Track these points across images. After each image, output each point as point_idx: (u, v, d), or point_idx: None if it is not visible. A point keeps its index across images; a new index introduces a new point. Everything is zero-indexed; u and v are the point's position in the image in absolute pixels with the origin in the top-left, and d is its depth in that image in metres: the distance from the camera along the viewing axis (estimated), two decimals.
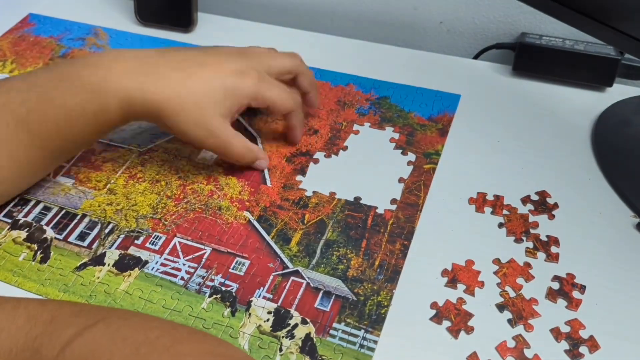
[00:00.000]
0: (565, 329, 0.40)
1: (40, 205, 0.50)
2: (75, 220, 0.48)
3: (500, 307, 0.42)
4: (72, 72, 0.45)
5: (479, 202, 0.48)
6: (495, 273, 0.43)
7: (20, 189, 0.49)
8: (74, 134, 0.45)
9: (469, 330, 0.40)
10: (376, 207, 0.48)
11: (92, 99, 0.44)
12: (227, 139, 0.47)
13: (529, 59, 0.58)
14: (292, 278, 0.44)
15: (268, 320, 0.42)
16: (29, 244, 0.47)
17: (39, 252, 0.46)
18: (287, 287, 0.43)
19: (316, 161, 0.53)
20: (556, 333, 0.40)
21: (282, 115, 0.52)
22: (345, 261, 0.45)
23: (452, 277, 0.43)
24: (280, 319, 0.42)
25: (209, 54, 0.48)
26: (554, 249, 0.45)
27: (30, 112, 0.44)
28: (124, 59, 0.45)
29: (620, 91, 0.57)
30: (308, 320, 0.41)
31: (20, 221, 0.48)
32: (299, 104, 0.51)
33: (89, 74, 0.44)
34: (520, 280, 0.43)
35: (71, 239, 0.47)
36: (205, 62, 0.46)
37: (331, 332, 0.41)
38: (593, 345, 0.39)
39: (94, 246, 0.47)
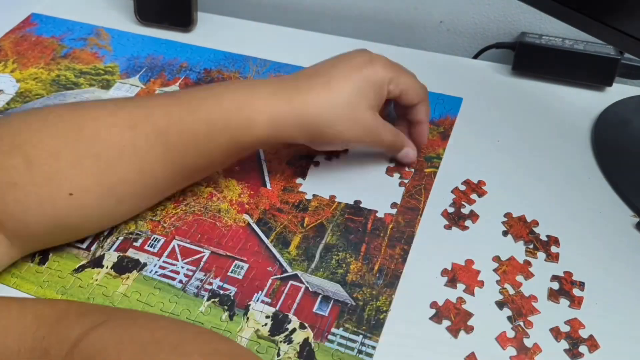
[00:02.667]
0: (565, 328, 0.40)
1: None
2: None
3: (500, 304, 0.42)
4: (218, 91, 0.44)
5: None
6: (495, 270, 0.43)
7: (140, 209, 0.47)
8: (212, 149, 0.44)
9: (469, 329, 0.40)
10: (376, 211, 0.48)
11: (237, 114, 0.43)
12: (380, 131, 0.46)
13: (528, 59, 0.58)
14: (290, 282, 0.44)
15: (266, 324, 0.41)
16: None
17: (37, 254, 0.46)
18: (285, 291, 0.43)
19: (316, 164, 0.52)
20: (556, 332, 0.40)
21: (407, 111, 0.49)
22: (344, 265, 0.45)
23: (452, 276, 0.43)
24: (279, 324, 0.41)
25: (333, 59, 0.47)
26: (554, 249, 0.45)
27: (171, 124, 0.43)
28: (264, 83, 0.45)
29: (619, 91, 0.57)
30: (306, 324, 0.41)
31: None
32: (428, 95, 0.49)
33: (235, 92, 0.44)
34: (519, 278, 0.43)
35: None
36: (336, 65, 0.46)
37: (329, 337, 0.41)
38: (593, 344, 0.39)
39: (93, 248, 0.46)
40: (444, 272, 0.43)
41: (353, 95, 0.44)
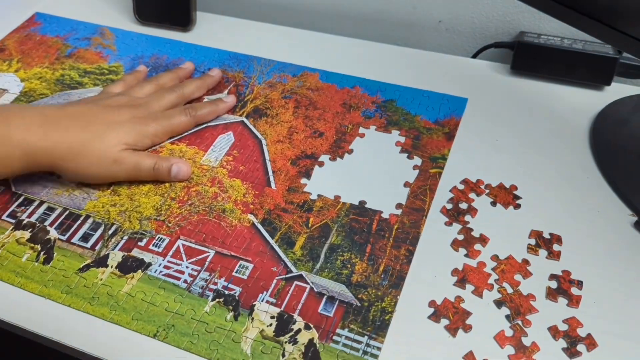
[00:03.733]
0: (563, 327, 0.40)
1: (44, 206, 0.50)
2: (79, 221, 0.48)
3: (498, 303, 0.42)
4: None
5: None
6: (493, 269, 0.43)
7: None
8: None
9: (467, 328, 0.40)
10: (381, 212, 0.48)
11: None
12: (137, 163, 0.49)
13: (527, 58, 0.58)
14: (295, 282, 0.44)
15: (271, 325, 0.41)
16: (32, 245, 0.47)
17: (42, 253, 0.46)
18: (290, 292, 0.43)
19: (321, 164, 0.52)
20: (554, 331, 0.40)
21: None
22: (349, 266, 0.44)
23: (462, 277, 0.43)
24: (284, 324, 0.41)
25: (99, 106, 0.51)
26: (556, 247, 0.45)
27: None
28: (27, 113, 0.48)
29: (618, 90, 0.57)
30: (311, 325, 0.41)
31: (24, 221, 0.48)
32: (196, 112, 0.54)
33: None
34: (518, 277, 0.43)
35: (74, 240, 0.47)
36: (100, 113, 0.50)
37: (334, 337, 0.40)
38: (591, 343, 0.39)
39: (98, 247, 0.46)
40: (454, 272, 0.43)
41: (105, 138, 0.49)
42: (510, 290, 0.42)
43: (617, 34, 0.45)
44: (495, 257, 0.44)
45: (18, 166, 0.47)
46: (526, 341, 0.39)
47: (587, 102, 0.56)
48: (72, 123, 0.49)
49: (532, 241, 0.45)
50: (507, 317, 0.41)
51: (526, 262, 0.43)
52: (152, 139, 0.52)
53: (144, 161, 0.50)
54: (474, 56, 0.65)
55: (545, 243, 0.45)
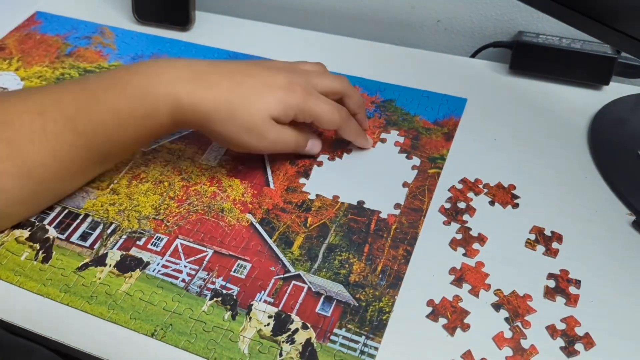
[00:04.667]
0: (561, 326, 0.40)
1: None
2: (78, 220, 0.48)
3: (496, 307, 0.42)
4: (122, 77, 0.45)
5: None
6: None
7: (60, 193, 0.49)
8: (121, 136, 0.45)
9: (465, 327, 0.40)
10: (379, 212, 0.48)
11: (141, 103, 0.44)
12: (278, 136, 0.47)
13: (526, 58, 0.58)
14: (293, 282, 0.44)
15: (269, 324, 0.41)
16: (31, 243, 0.47)
17: (41, 252, 0.46)
18: (288, 291, 0.43)
19: (320, 164, 0.52)
20: (552, 330, 0.40)
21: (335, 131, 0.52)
22: (347, 266, 0.45)
23: (460, 275, 0.43)
24: (281, 324, 0.41)
25: (259, 66, 0.48)
26: (555, 245, 0.45)
27: (79, 111, 0.44)
28: (175, 67, 0.45)
29: (616, 89, 0.57)
30: (309, 325, 0.41)
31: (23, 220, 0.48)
32: (346, 118, 0.49)
33: (139, 80, 0.45)
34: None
35: (73, 239, 0.47)
36: (254, 74, 0.46)
37: (332, 337, 0.40)
38: (588, 342, 0.39)
39: (96, 246, 0.47)
40: (452, 270, 0.43)
41: (258, 109, 0.45)
42: (506, 292, 0.42)
43: (615, 33, 0.45)
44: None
45: (167, 122, 0.45)
46: (525, 344, 0.39)
47: (585, 102, 0.56)
48: (222, 80, 0.45)
49: (532, 236, 0.45)
50: (507, 319, 0.41)
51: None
52: (295, 114, 0.46)
53: (286, 135, 0.47)
54: (473, 56, 0.65)
55: (545, 240, 0.45)
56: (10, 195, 0.44)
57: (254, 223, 0.48)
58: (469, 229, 0.46)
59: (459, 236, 0.46)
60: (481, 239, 0.45)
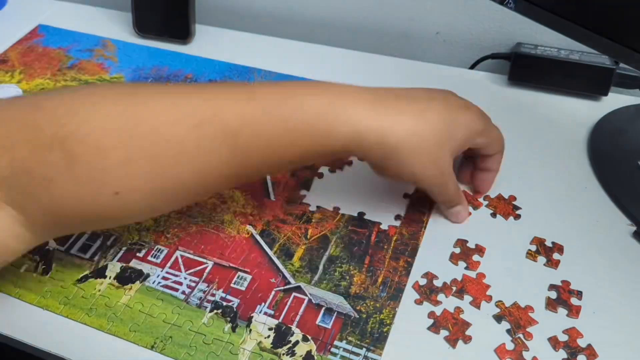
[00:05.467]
0: (563, 337, 0.40)
1: None
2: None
3: (498, 318, 0.41)
4: (297, 93, 0.39)
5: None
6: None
7: (191, 204, 0.46)
8: (283, 154, 0.39)
9: (467, 339, 0.40)
10: (380, 223, 0.48)
11: (318, 121, 0.38)
12: (448, 179, 0.43)
13: (524, 69, 0.58)
14: (294, 294, 0.44)
15: (269, 336, 0.41)
16: (30, 255, 0.47)
17: (40, 264, 0.46)
18: (288, 303, 0.43)
19: (320, 176, 0.52)
20: (554, 342, 0.40)
21: (480, 158, 0.47)
22: (348, 277, 0.44)
23: (461, 287, 0.43)
24: (281, 336, 0.41)
25: (425, 90, 0.44)
26: (556, 256, 0.45)
27: (244, 126, 0.38)
28: (349, 89, 0.40)
29: (615, 100, 0.57)
30: (309, 337, 0.41)
31: None
32: (504, 146, 0.47)
33: (317, 97, 0.39)
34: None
35: (73, 250, 0.47)
36: (433, 98, 0.42)
37: (332, 350, 0.40)
38: (591, 353, 0.39)
39: (96, 258, 0.46)
40: (453, 282, 0.43)
41: (444, 134, 0.40)
42: (508, 303, 0.42)
43: (613, 44, 0.46)
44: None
45: (339, 145, 0.39)
46: (527, 356, 0.39)
47: (584, 113, 0.56)
48: (408, 105, 0.40)
49: (533, 247, 0.45)
50: (508, 331, 0.41)
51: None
52: (479, 137, 0.43)
53: (451, 186, 0.43)
54: (472, 67, 0.66)
55: (546, 250, 0.45)
56: (134, 210, 0.38)
57: (255, 235, 0.48)
58: (466, 240, 0.46)
59: (457, 250, 0.46)
60: (480, 250, 0.45)
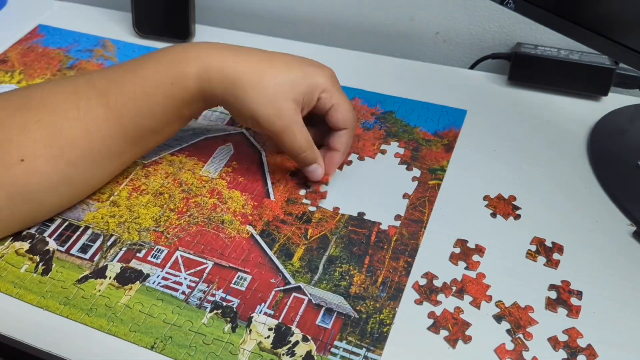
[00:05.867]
0: (563, 337, 0.40)
1: None
2: (78, 232, 0.48)
3: (498, 318, 0.41)
4: (155, 53, 0.47)
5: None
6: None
7: (95, 180, 0.48)
8: (151, 107, 0.45)
9: (467, 339, 0.40)
10: (380, 223, 0.48)
11: (170, 69, 0.45)
12: (294, 125, 0.46)
13: (524, 69, 0.58)
14: (293, 294, 0.44)
15: (269, 336, 0.41)
16: (31, 256, 0.47)
17: (40, 264, 0.46)
18: (288, 304, 0.43)
19: None
20: (554, 342, 0.40)
21: (329, 135, 0.50)
22: (347, 278, 0.44)
23: (461, 287, 0.43)
24: (281, 336, 0.41)
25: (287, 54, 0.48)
26: (556, 256, 0.45)
27: (111, 84, 0.45)
28: (204, 43, 0.47)
29: (615, 100, 0.57)
30: (309, 337, 0.41)
31: (23, 232, 0.48)
32: (355, 128, 0.49)
33: (173, 51, 0.46)
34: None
35: (73, 251, 0.47)
36: (285, 54, 0.47)
37: (332, 350, 0.40)
38: (591, 353, 0.39)
39: (96, 259, 0.46)
40: (453, 282, 0.43)
41: (285, 81, 0.45)
42: (508, 303, 0.42)
43: (613, 44, 0.46)
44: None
45: (193, 86, 0.45)
46: (527, 356, 0.39)
47: (584, 113, 0.56)
48: (253, 52, 0.46)
49: (533, 247, 0.45)
50: (508, 331, 0.41)
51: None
52: (319, 94, 0.47)
53: (299, 138, 0.46)
54: (472, 67, 0.66)
55: (546, 250, 0.45)
56: (45, 179, 0.44)
57: (255, 235, 0.48)
58: (466, 241, 0.46)
59: (457, 250, 0.46)
60: (479, 250, 0.45)
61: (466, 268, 0.44)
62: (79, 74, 0.49)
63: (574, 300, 0.42)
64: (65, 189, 0.46)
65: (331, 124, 0.49)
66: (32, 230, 0.48)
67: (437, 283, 0.44)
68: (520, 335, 0.40)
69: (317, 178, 0.49)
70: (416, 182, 0.51)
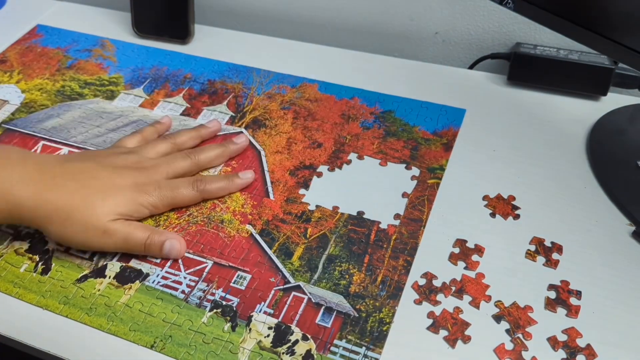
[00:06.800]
0: (563, 337, 0.40)
1: None
2: None
3: (497, 318, 0.41)
4: None
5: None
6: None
7: None
8: None
9: (466, 339, 0.40)
10: (379, 222, 0.48)
11: None
12: (128, 236, 0.45)
13: (523, 69, 0.59)
14: (293, 293, 0.44)
15: (268, 335, 0.41)
16: (30, 255, 0.47)
17: (40, 264, 0.46)
18: (288, 302, 0.43)
19: (319, 175, 0.52)
20: (553, 342, 0.40)
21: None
22: (347, 277, 0.44)
23: (460, 287, 0.43)
24: (281, 335, 0.41)
25: (107, 166, 0.47)
26: (555, 256, 0.45)
27: None
28: (26, 165, 0.45)
29: (614, 100, 0.57)
30: (309, 336, 0.41)
31: (23, 232, 0.48)
32: (203, 188, 0.49)
33: None
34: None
35: (73, 250, 0.47)
36: (101, 176, 0.46)
37: (332, 348, 0.40)
38: (590, 353, 0.39)
39: (95, 258, 0.46)
40: (452, 282, 0.43)
41: (96, 203, 0.44)
42: (507, 303, 0.42)
43: (612, 44, 0.46)
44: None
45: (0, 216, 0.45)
46: (526, 355, 0.39)
47: (583, 112, 0.56)
48: (67, 183, 0.45)
49: (532, 247, 0.45)
50: (507, 330, 0.41)
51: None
52: (151, 210, 0.47)
53: (136, 234, 0.45)
54: (471, 67, 0.66)
55: (545, 250, 0.45)
56: None
57: (254, 234, 0.48)
58: (465, 241, 0.46)
59: (456, 250, 0.46)
60: (479, 250, 0.45)
61: (465, 268, 0.44)
62: None
63: (573, 300, 0.42)
64: None
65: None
66: (32, 230, 0.48)
67: (437, 283, 0.44)
68: (520, 335, 0.40)
69: (178, 254, 0.46)
70: (415, 181, 0.51)
